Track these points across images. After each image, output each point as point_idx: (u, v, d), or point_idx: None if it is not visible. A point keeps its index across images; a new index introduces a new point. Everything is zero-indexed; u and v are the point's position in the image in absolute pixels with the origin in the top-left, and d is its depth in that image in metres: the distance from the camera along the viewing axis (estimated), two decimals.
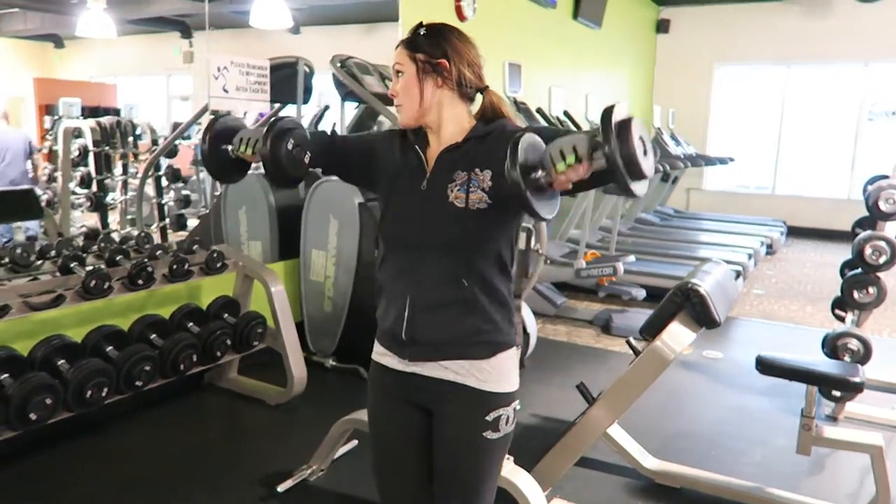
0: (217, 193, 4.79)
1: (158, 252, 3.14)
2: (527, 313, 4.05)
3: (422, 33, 1.48)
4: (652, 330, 2.45)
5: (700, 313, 2.34)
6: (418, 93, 1.47)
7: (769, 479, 2.78)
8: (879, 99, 9.08)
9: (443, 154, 1.47)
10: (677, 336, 2.36)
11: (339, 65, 3.86)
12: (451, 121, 1.49)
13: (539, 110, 5.59)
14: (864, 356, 3.18)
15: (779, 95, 9.79)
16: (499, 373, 1.48)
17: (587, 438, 2.54)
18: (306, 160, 1.54)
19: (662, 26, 10.03)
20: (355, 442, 2.93)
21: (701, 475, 2.74)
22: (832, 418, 3.44)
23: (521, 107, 5.00)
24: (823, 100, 9.50)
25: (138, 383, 2.73)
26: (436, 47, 1.46)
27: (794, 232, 9.13)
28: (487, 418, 1.46)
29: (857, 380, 2.31)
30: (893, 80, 8.93)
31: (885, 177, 3.78)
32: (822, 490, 2.77)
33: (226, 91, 3.52)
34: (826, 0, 8.94)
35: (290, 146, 1.49)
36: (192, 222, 5.18)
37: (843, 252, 8.65)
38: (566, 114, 5.64)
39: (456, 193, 1.42)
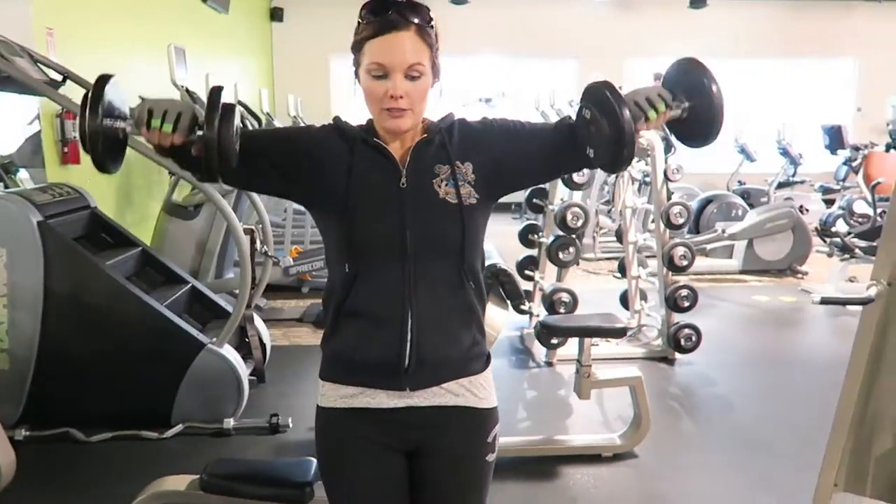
0: None
1: None
2: (259, 324, 3.72)
3: (430, 20, 1.22)
4: None
5: (510, 291, 2.47)
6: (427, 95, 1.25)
7: (541, 428, 3.12)
8: (474, 88, 10.62)
9: (418, 146, 1.26)
10: (494, 317, 2.45)
11: None
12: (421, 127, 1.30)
13: (240, 102, 5.05)
14: (573, 306, 3.77)
15: None
16: (490, 385, 1.37)
17: None
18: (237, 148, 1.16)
19: (276, 15, 9.98)
20: None
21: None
22: (549, 363, 4.01)
23: (194, 97, 4.45)
24: None
25: None
26: (435, 35, 1.24)
27: None
28: (488, 439, 1.35)
29: (621, 326, 2.73)
30: (485, 71, 10.51)
31: None
32: (580, 424, 3.22)
33: None
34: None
35: (236, 131, 1.13)
36: None
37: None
38: (240, 102, 5.22)
39: (445, 189, 1.25)
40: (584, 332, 2.73)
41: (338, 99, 10.55)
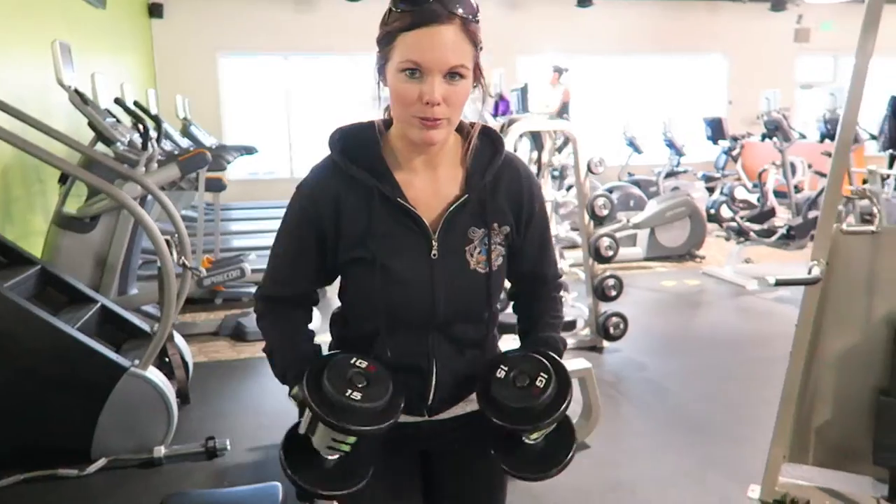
0: None
1: None
2: (180, 341, 3.46)
3: (476, 13, 1.05)
4: None
5: None
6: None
7: None
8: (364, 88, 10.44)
9: (453, 214, 1.15)
10: None
11: None
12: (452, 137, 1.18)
13: (137, 103, 4.64)
14: (507, 301, 3.76)
15: (282, 84, 10.32)
16: None
17: None
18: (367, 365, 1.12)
19: (155, 11, 9.37)
20: None
21: None
22: None
23: (84, 98, 4.05)
24: (323, 88, 10.41)
25: None
26: (479, 31, 1.08)
27: None
28: None
29: (570, 318, 2.74)
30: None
31: None
32: None
33: None
34: None
35: (350, 389, 1.08)
36: None
37: None
38: (137, 104, 4.83)
39: (477, 257, 1.17)
40: None
41: (228, 100, 10.09)
